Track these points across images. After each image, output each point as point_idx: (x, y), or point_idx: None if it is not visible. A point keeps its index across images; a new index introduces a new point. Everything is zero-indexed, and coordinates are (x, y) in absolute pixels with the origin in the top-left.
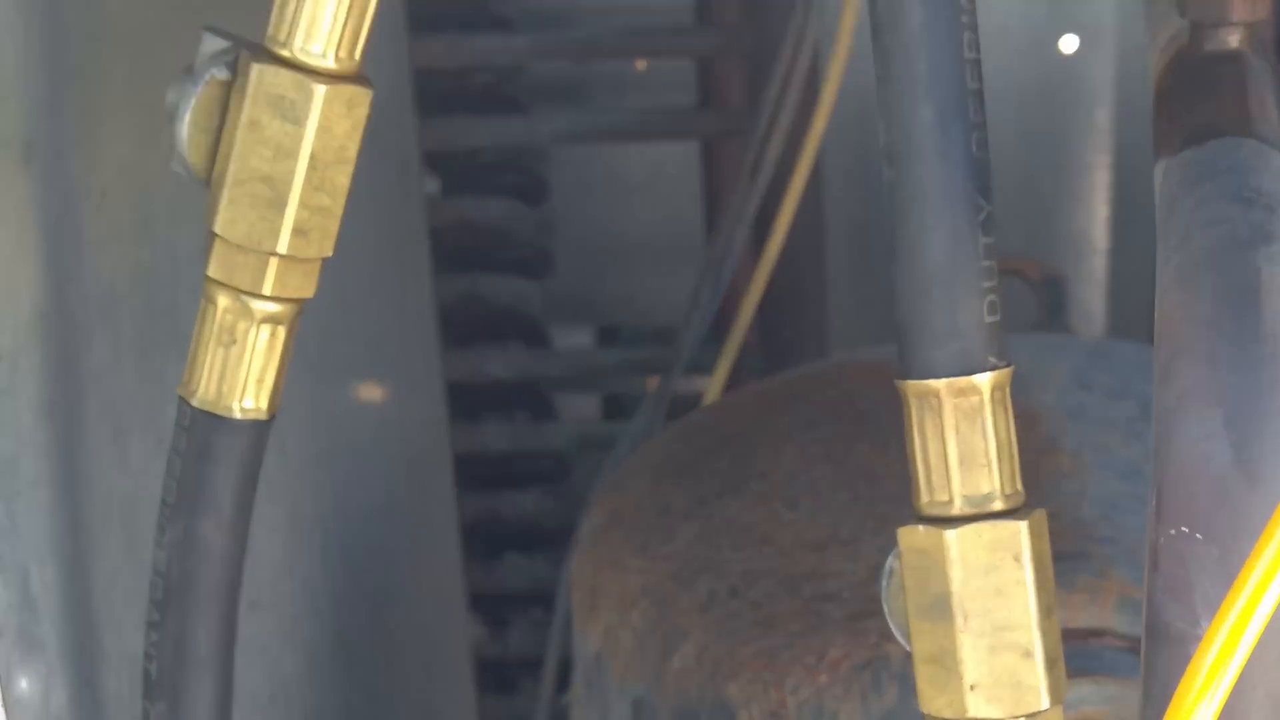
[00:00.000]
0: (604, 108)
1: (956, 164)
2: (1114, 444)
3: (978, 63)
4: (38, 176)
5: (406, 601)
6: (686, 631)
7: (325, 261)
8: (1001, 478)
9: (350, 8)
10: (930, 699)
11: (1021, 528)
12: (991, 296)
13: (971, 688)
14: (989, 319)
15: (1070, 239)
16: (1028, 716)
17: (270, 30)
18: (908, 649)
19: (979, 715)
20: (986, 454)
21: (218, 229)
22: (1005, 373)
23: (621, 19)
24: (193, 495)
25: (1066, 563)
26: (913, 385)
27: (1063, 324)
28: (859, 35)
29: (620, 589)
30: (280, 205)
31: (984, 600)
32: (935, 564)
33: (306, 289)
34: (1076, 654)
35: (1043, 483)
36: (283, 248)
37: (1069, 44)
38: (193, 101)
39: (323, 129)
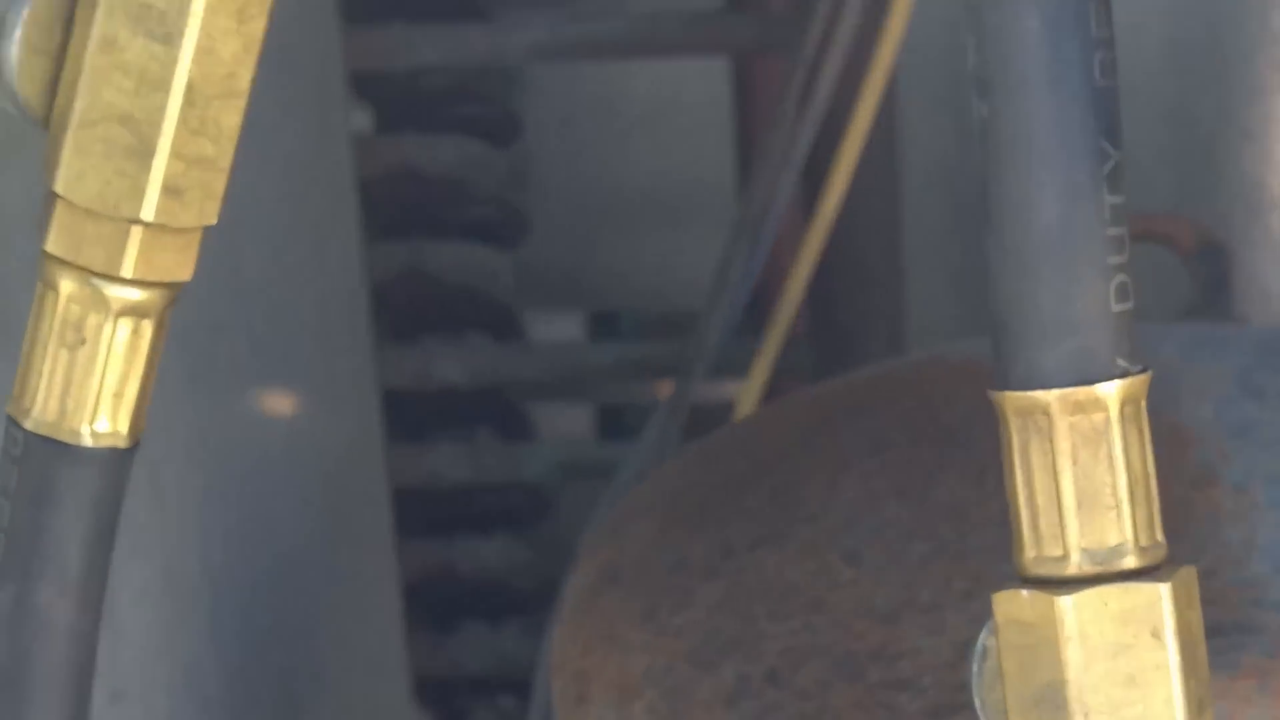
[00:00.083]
0: (597, 11)
1: (1073, 94)
2: None
3: None
4: None
5: (329, 688)
6: None
7: (210, 232)
8: (1135, 524)
9: None
10: None
11: (1162, 592)
12: (1121, 276)
13: None
14: (1118, 306)
15: (1238, 191)
16: None
17: None
18: None
19: None
20: (1114, 492)
21: (59, 188)
22: (1140, 380)
23: None
24: (26, 551)
25: (1226, 638)
26: (1013, 398)
27: (1225, 308)
28: None
29: (618, 673)
30: (145, 155)
31: (1111, 691)
32: (1045, 641)
33: (183, 270)
34: None
35: (1194, 529)
36: (149, 213)
37: None
38: (25, 12)
39: (203, 50)
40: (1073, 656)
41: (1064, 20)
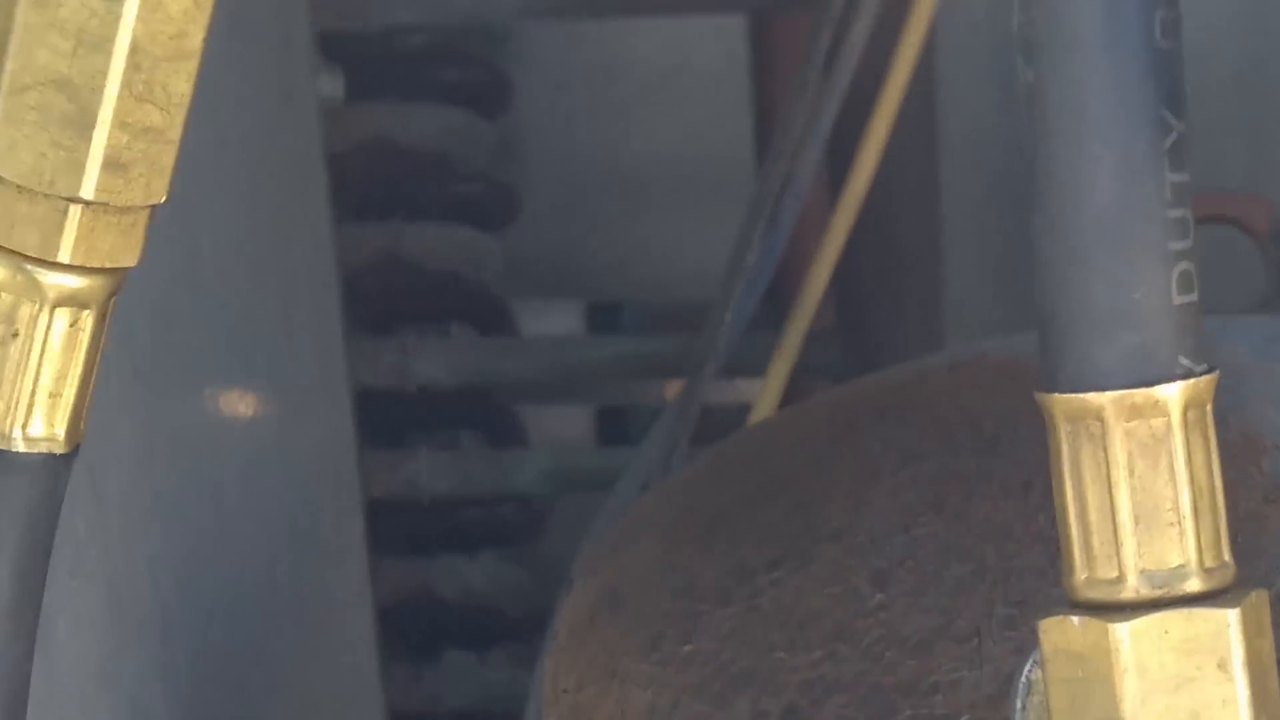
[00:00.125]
0: None
1: (1131, 57)
2: None
3: None
4: None
5: None
6: None
7: (159, 212)
8: (1199, 543)
9: None
10: None
11: (1230, 619)
12: (1185, 263)
13: None
14: (1180, 298)
15: None
16: None
17: None
18: None
19: None
20: (1176, 506)
21: None
22: (1206, 381)
23: None
24: None
25: None
26: (1062, 401)
27: None
28: None
29: (619, 709)
30: (85, 124)
31: None
32: (1098, 674)
33: (127, 254)
34: None
35: (1267, 548)
36: (89, 190)
37: None
38: None
39: (150, 6)
40: (1129, 691)
41: None
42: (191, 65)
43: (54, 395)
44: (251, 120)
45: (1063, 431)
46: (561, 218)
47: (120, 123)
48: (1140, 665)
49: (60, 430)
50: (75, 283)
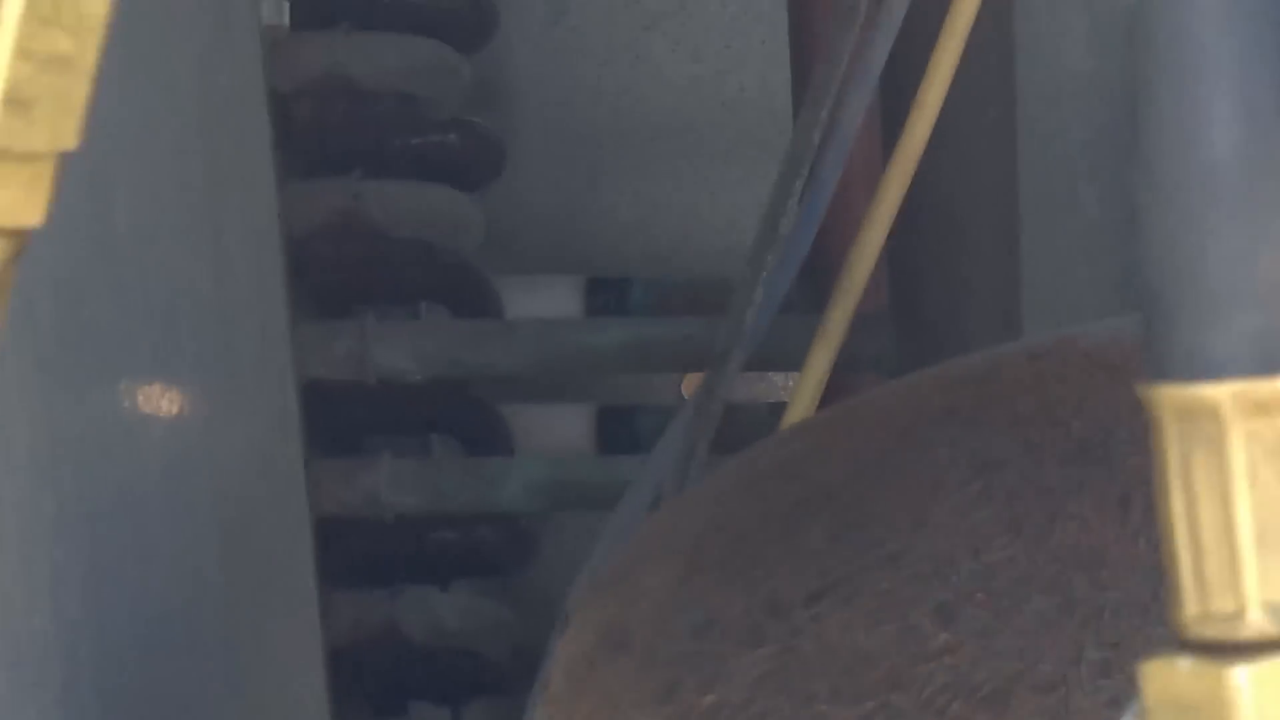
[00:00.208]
0: None
1: None
2: None
3: None
4: None
5: None
6: None
7: (68, 162)
8: None
9: None
10: None
11: None
12: None
13: None
14: None
15: None
16: None
17: None
18: None
19: None
20: None
21: None
22: None
23: None
24: None
25: None
26: (1171, 396)
27: None
28: None
29: None
30: None
31: None
32: None
33: (29, 212)
34: None
35: None
36: None
37: None
38: None
39: None
40: None
41: None
42: None
43: None
44: (180, 52)
45: (1171, 433)
46: (556, 175)
47: (22, 51)
48: (1262, 718)
49: None
50: None
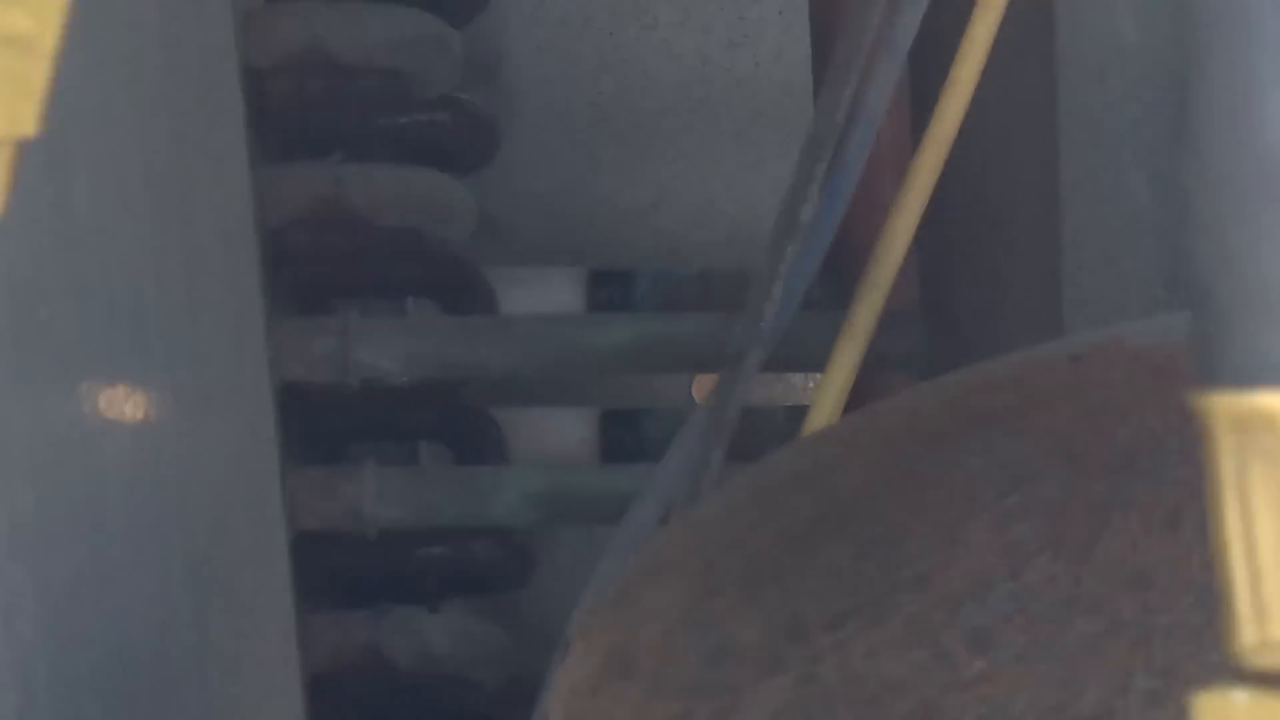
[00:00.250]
0: None
1: None
2: None
3: None
4: None
5: None
6: None
7: (26, 149)
8: None
9: None
10: None
11: None
12: None
13: None
14: None
15: None
16: None
17: None
18: None
19: None
20: None
21: None
22: None
23: None
24: None
25: None
26: (1225, 404)
27: None
28: None
29: None
30: None
31: None
32: None
33: None
34: None
35: None
36: None
37: None
38: None
39: None
40: None
41: None
42: None
43: None
44: (147, 28)
45: (1225, 444)
46: (554, 158)
47: None
48: None
49: None
50: None
